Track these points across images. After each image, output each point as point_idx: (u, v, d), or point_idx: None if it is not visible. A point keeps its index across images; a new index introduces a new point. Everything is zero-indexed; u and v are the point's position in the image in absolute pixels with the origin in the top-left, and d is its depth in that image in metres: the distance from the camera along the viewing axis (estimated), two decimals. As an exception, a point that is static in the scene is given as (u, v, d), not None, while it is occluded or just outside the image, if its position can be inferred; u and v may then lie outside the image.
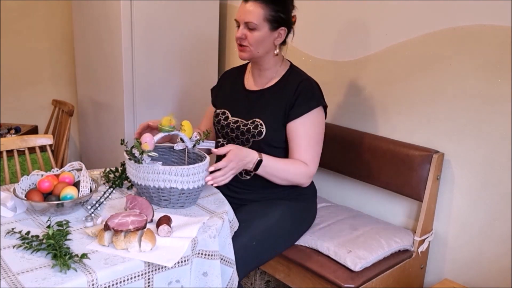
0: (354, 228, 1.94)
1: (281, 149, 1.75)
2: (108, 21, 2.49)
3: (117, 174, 1.64)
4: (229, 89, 1.88)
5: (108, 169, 1.68)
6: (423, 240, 1.95)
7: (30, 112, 3.25)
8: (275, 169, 1.65)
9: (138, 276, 1.12)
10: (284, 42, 1.76)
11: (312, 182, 1.89)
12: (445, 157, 1.92)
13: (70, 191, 1.36)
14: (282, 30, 1.70)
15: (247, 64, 1.92)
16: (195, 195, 1.46)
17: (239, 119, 1.77)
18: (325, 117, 1.77)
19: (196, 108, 2.76)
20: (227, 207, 1.48)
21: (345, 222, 2.01)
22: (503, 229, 1.80)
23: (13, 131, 2.80)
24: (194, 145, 1.55)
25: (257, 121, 1.72)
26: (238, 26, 1.70)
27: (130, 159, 1.44)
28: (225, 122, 1.80)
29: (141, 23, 2.43)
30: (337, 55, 2.27)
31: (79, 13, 2.80)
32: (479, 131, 1.82)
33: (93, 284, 1.04)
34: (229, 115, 1.80)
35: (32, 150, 2.05)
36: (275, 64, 1.77)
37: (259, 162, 1.60)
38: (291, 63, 1.83)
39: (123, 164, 1.66)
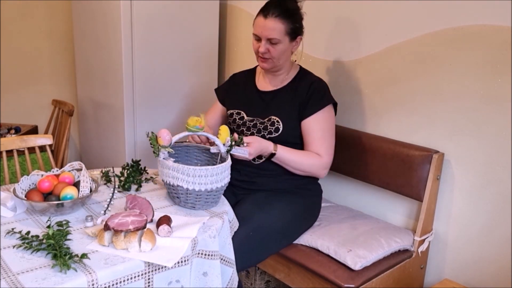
0: (354, 228, 1.94)
1: (297, 145, 1.85)
2: (108, 21, 2.49)
3: (122, 178, 1.63)
4: (241, 91, 1.97)
5: (106, 170, 1.68)
6: (423, 240, 1.95)
7: (30, 112, 3.25)
8: (289, 161, 1.78)
9: (138, 276, 1.12)
10: None
11: (318, 183, 1.99)
12: (445, 157, 1.92)
13: (70, 191, 1.36)
14: (299, 38, 1.83)
15: (256, 66, 2.01)
16: (206, 197, 1.45)
17: (255, 118, 1.87)
18: (335, 113, 1.90)
19: (196, 106, 2.76)
20: (227, 207, 1.48)
21: (345, 221, 2.01)
22: (503, 229, 1.79)
23: (13, 131, 2.80)
24: (228, 151, 1.54)
25: (273, 118, 1.82)
26: (257, 39, 1.78)
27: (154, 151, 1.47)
28: (241, 121, 1.89)
29: (141, 23, 2.43)
30: (337, 55, 2.27)
31: (79, 13, 2.80)
32: (479, 131, 1.82)
33: (93, 284, 1.04)
34: (245, 115, 1.89)
35: (31, 150, 2.05)
36: (288, 67, 1.89)
37: (272, 155, 1.75)
38: (300, 65, 1.94)
39: (127, 166, 1.66)
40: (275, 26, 1.72)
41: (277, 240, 1.78)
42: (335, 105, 1.91)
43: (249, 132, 1.87)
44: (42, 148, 2.08)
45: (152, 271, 1.15)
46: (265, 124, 1.83)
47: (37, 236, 1.18)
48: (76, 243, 1.18)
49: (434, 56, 1.91)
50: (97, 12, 2.59)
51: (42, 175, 1.46)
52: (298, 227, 1.87)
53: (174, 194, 1.45)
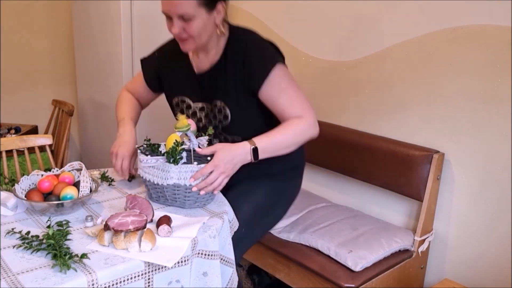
0: (355, 228, 1.94)
1: (257, 123, 1.60)
2: (108, 21, 2.49)
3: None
4: (177, 73, 1.66)
5: (106, 170, 1.68)
6: (423, 240, 1.95)
7: (30, 112, 3.25)
8: (275, 144, 1.49)
9: (138, 276, 1.12)
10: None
11: (301, 153, 1.74)
12: (445, 157, 1.92)
13: (70, 191, 1.35)
14: (220, 5, 1.48)
15: None
16: (185, 195, 1.42)
17: (203, 103, 1.61)
18: (285, 66, 1.57)
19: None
20: (227, 207, 1.48)
21: (346, 222, 2.01)
22: (503, 229, 1.79)
23: (13, 131, 2.80)
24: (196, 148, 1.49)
25: (219, 104, 1.56)
26: (169, 18, 1.47)
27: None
28: (190, 111, 1.63)
29: (141, 23, 2.43)
30: (337, 55, 2.27)
31: (79, 13, 2.80)
32: (479, 131, 1.82)
33: (93, 284, 1.04)
34: (191, 102, 1.63)
35: (31, 150, 2.05)
36: (218, 40, 1.55)
37: (255, 149, 1.44)
38: (229, 27, 1.58)
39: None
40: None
41: (267, 221, 1.72)
42: (283, 59, 1.58)
43: (201, 123, 1.62)
44: (42, 148, 2.08)
45: (152, 271, 1.15)
46: (213, 111, 1.57)
47: (37, 236, 1.18)
48: (76, 243, 1.18)
49: (434, 56, 1.91)
50: (97, 12, 2.59)
51: (42, 175, 1.46)
52: (285, 205, 1.76)
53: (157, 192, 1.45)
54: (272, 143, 1.48)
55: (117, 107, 1.77)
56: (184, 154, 1.46)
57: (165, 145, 1.46)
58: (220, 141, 1.60)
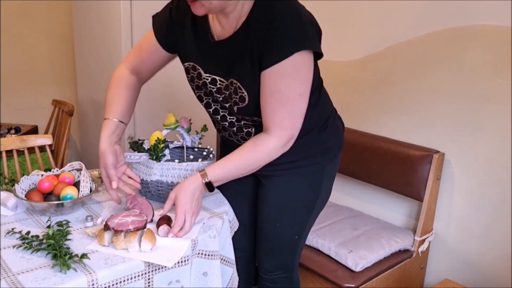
0: (355, 228, 1.94)
1: None
2: (108, 21, 2.49)
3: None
4: (192, 35, 1.35)
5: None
6: (423, 240, 1.95)
7: (30, 112, 3.25)
8: (233, 171, 1.31)
9: (138, 276, 1.12)
10: None
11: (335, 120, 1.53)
12: (445, 157, 1.92)
13: (70, 191, 1.35)
14: None
15: None
16: (168, 191, 1.40)
17: (216, 76, 1.32)
18: (314, 66, 1.29)
19: (195, 107, 2.75)
20: (227, 207, 1.48)
21: (346, 222, 2.01)
22: (503, 229, 1.79)
23: (13, 131, 2.80)
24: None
25: (234, 83, 1.28)
26: None
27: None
28: (200, 81, 1.37)
29: (141, 23, 2.43)
30: (337, 55, 2.27)
31: (79, 13, 2.80)
32: (479, 131, 1.81)
33: (93, 284, 1.04)
34: (202, 72, 1.35)
35: (31, 150, 2.05)
36: (242, 3, 1.22)
37: (208, 183, 1.28)
38: None
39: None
40: None
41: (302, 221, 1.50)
42: (319, 55, 1.28)
43: (210, 98, 1.38)
44: (42, 148, 2.08)
45: (152, 271, 1.15)
46: (229, 90, 1.30)
47: (37, 236, 1.18)
48: (76, 243, 1.18)
49: (434, 56, 1.91)
50: (97, 12, 2.59)
51: (42, 175, 1.46)
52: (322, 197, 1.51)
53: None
54: (229, 172, 1.31)
55: (106, 97, 1.47)
56: (167, 151, 1.46)
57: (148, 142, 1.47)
58: (238, 121, 1.38)
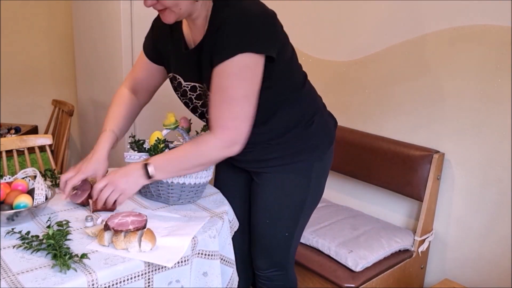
0: (355, 228, 1.94)
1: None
2: (108, 21, 2.49)
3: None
4: (169, 46, 1.41)
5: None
6: (423, 240, 1.95)
7: (30, 112, 3.25)
8: (174, 162, 1.31)
9: (138, 276, 1.12)
10: None
11: (326, 126, 1.48)
12: (445, 157, 1.92)
13: (24, 199, 1.25)
14: None
15: None
16: (168, 191, 1.41)
17: (196, 84, 1.36)
18: (262, 67, 1.24)
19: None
20: (227, 207, 1.48)
21: (346, 221, 2.01)
22: (503, 229, 1.79)
23: (13, 131, 2.80)
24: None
25: (199, 88, 1.35)
26: None
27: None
28: (180, 90, 1.41)
29: (141, 23, 2.43)
30: (337, 55, 2.27)
31: (79, 13, 2.80)
32: (479, 131, 1.82)
33: (93, 284, 1.04)
34: (182, 80, 1.39)
35: (31, 150, 2.05)
36: (203, 7, 1.26)
37: (146, 165, 1.27)
38: None
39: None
40: None
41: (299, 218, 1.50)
42: (270, 57, 1.24)
43: (191, 104, 1.41)
44: (42, 148, 2.08)
45: (152, 271, 1.15)
46: (207, 94, 1.32)
47: (37, 236, 1.18)
48: (76, 243, 1.18)
49: (434, 56, 1.91)
50: (97, 12, 2.59)
51: (-6, 182, 1.33)
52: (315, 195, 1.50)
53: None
54: (170, 160, 1.31)
55: (107, 112, 1.55)
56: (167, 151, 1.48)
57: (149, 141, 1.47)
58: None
